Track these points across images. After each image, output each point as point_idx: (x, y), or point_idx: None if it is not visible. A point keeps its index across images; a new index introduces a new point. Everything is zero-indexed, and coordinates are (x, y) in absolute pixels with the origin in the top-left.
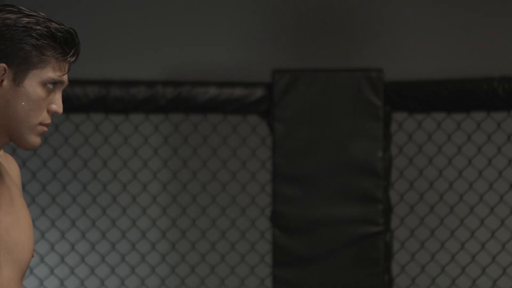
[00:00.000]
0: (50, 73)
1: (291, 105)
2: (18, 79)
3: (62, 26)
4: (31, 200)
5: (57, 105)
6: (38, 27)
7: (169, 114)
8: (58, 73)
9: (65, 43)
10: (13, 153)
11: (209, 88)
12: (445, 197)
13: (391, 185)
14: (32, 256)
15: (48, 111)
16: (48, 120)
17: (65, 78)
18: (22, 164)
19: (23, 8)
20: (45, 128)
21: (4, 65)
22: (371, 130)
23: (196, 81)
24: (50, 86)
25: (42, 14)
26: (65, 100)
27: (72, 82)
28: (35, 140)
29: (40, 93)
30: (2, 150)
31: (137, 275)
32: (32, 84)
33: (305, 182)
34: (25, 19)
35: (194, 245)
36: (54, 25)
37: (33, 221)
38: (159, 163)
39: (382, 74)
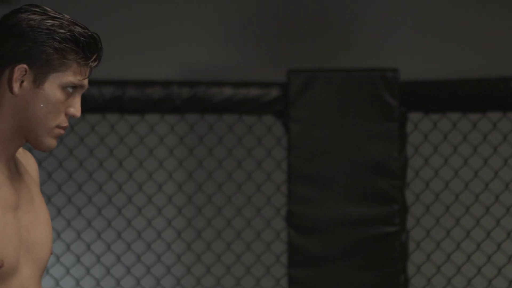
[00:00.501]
0: (70, 77)
1: (306, 105)
2: (38, 81)
3: (86, 31)
4: (47, 200)
5: (75, 109)
6: (62, 31)
7: (185, 114)
8: (79, 77)
9: (87, 48)
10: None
11: (224, 88)
12: (460, 197)
13: (407, 185)
14: (51, 253)
15: (66, 114)
16: (65, 123)
17: (85, 82)
18: (38, 164)
19: (48, 9)
20: (62, 131)
21: (25, 66)
22: (387, 130)
23: (211, 81)
24: (70, 89)
25: (67, 16)
26: (81, 100)
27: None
28: (51, 142)
29: (59, 96)
30: (21, 148)
31: (153, 275)
32: (52, 87)
33: (321, 182)
34: (49, 22)
35: (209, 245)
36: (78, 29)
37: None
38: (174, 163)
39: (398, 74)
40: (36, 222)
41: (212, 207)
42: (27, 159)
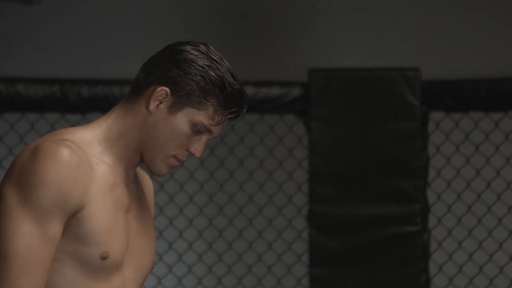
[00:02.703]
0: (203, 118)
1: (327, 104)
2: (173, 108)
3: (236, 84)
4: None
5: (196, 148)
6: (213, 73)
7: None
8: (211, 122)
9: (230, 99)
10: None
11: (246, 87)
12: (482, 197)
13: (428, 185)
14: (152, 267)
15: (187, 149)
16: (183, 157)
17: (216, 129)
18: None
19: (214, 53)
20: (177, 163)
21: (168, 90)
22: (408, 130)
23: None
24: (199, 129)
25: (227, 65)
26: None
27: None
28: (163, 169)
29: (186, 130)
30: (138, 167)
31: (174, 275)
32: (184, 119)
33: (342, 182)
34: (206, 61)
35: (231, 244)
36: (229, 79)
37: None
38: (195, 162)
39: (419, 73)
40: (142, 231)
41: (233, 206)
42: (143, 176)
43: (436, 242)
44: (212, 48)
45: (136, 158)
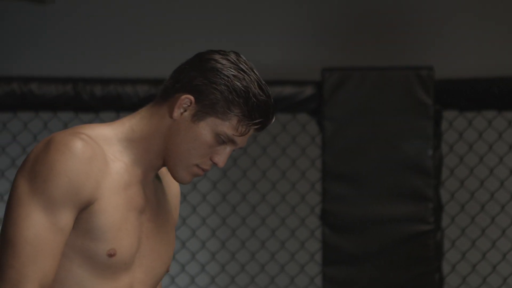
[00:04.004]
0: (226, 129)
1: (340, 104)
2: (197, 116)
3: (262, 95)
4: None
5: (220, 158)
6: (239, 84)
7: None
8: (234, 133)
9: (255, 110)
10: None
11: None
12: (496, 196)
13: (442, 184)
14: (167, 271)
15: (211, 159)
16: (207, 166)
17: (240, 140)
18: None
19: (243, 62)
20: (201, 172)
21: (192, 98)
22: (422, 129)
23: None
24: (222, 139)
25: (255, 75)
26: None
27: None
28: (186, 176)
29: (209, 140)
30: (165, 168)
31: (187, 273)
32: (207, 129)
33: (355, 181)
34: (233, 71)
35: (244, 243)
36: (255, 90)
37: None
38: None
39: (433, 72)
40: (158, 233)
41: (246, 205)
42: (171, 182)
43: (449, 241)
44: (243, 58)
45: (158, 162)
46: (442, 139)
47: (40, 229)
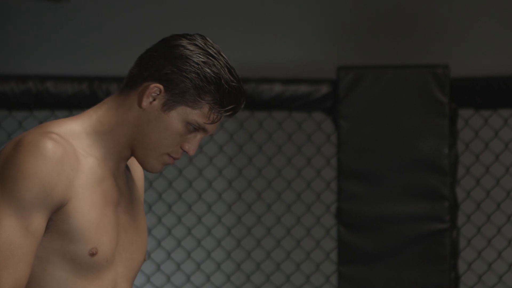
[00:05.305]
0: (197, 117)
1: (356, 102)
2: (167, 106)
3: (233, 80)
4: None
5: (190, 147)
6: (209, 70)
7: None
8: (206, 120)
9: (226, 97)
10: None
11: (274, 85)
12: None
13: (457, 182)
14: (144, 259)
15: (181, 147)
16: (177, 155)
17: (211, 127)
18: None
19: (210, 45)
20: (171, 161)
21: (161, 87)
22: (437, 127)
23: (261, 78)
24: (193, 127)
25: (224, 60)
26: None
27: None
28: (157, 166)
29: (180, 129)
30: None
31: (203, 272)
32: (177, 118)
33: (371, 179)
34: (203, 58)
35: (259, 241)
36: (226, 75)
37: None
38: (224, 160)
39: (448, 71)
40: (133, 224)
41: (261, 204)
42: (135, 166)
43: (465, 239)
44: (210, 41)
45: (127, 152)
46: (458, 137)
47: (11, 233)
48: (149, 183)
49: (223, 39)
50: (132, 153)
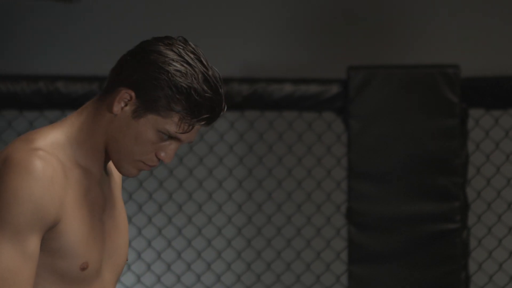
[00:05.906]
0: (168, 126)
1: (366, 102)
2: (137, 113)
3: (207, 91)
4: None
5: (166, 155)
6: (181, 80)
7: (245, 111)
8: (177, 130)
9: (198, 107)
10: None
11: (284, 85)
12: None
13: (468, 182)
14: (126, 260)
15: (156, 155)
16: (153, 162)
17: (184, 137)
18: None
19: (189, 51)
20: (147, 168)
21: (133, 93)
22: (447, 127)
23: (271, 78)
24: (165, 136)
25: (201, 68)
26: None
27: None
28: (131, 171)
29: (151, 137)
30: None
31: (213, 272)
32: (147, 126)
33: (381, 179)
34: (177, 65)
35: (269, 241)
36: (198, 85)
37: None
38: (234, 160)
39: (459, 70)
40: (117, 227)
41: (272, 203)
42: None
43: (475, 239)
44: (192, 46)
45: (107, 157)
46: (468, 137)
47: (11, 260)
48: (159, 183)
49: (233, 39)
50: (110, 158)
